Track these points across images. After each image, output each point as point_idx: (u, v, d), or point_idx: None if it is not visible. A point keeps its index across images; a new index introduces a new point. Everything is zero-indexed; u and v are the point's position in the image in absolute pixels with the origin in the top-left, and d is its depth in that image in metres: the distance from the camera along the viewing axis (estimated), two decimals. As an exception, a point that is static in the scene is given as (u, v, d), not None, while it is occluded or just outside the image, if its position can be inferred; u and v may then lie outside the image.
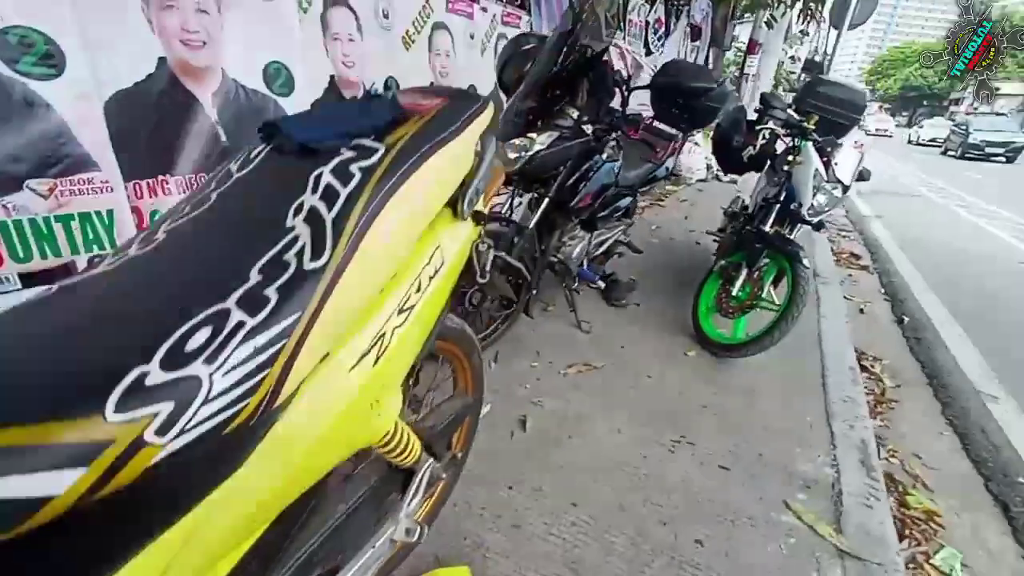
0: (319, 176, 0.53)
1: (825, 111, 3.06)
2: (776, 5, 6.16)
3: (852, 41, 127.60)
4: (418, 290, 0.68)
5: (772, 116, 2.38)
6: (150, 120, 1.36)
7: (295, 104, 1.64)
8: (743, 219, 2.69)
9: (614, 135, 1.96)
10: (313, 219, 0.51)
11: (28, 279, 1.26)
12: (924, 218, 7.45)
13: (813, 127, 2.28)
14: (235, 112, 1.48)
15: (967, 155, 17.12)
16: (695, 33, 7.12)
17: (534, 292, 2.21)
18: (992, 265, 5.07)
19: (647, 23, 5.27)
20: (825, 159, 2.16)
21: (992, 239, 6.29)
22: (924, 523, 1.77)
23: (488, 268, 0.89)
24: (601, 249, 2.67)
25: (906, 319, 3.56)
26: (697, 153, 7.09)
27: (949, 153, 19.22)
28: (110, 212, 1.32)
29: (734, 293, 2.31)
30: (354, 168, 0.54)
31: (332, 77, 1.79)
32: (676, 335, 2.58)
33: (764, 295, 2.26)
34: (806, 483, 1.68)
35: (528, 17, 2.97)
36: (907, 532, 1.70)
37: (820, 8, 5.98)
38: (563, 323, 2.61)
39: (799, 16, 6.28)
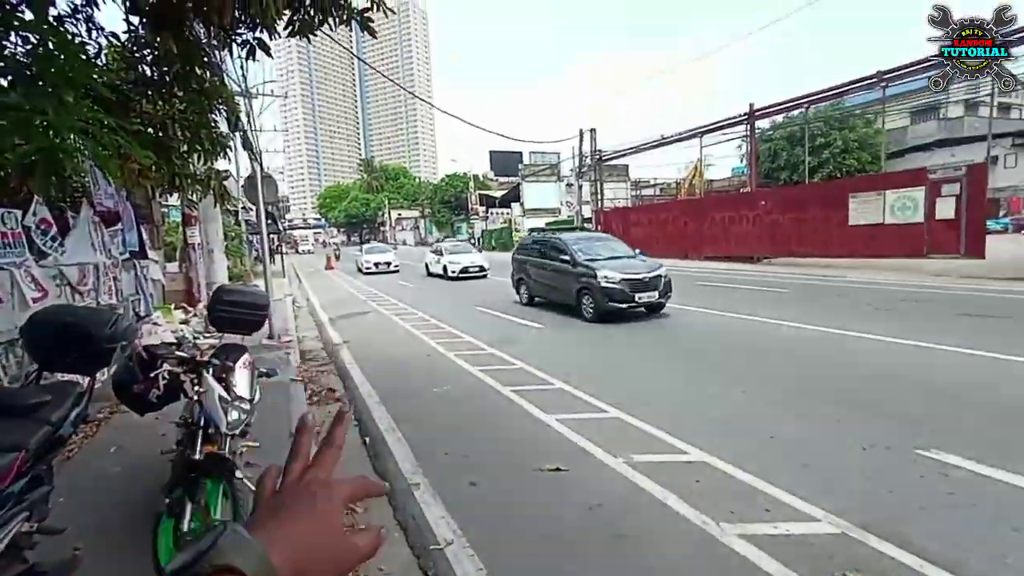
0: None
1: (235, 314, 3.62)
2: (190, 192, 6.75)
3: (298, 183, 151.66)
4: None
5: (164, 359, 2.64)
6: None
7: None
8: (185, 438, 2.78)
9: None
10: None
11: None
12: (382, 337, 9.61)
13: (206, 359, 2.68)
14: None
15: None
16: (109, 219, 6.75)
17: None
18: (415, 362, 7.19)
19: (26, 228, 4.62)
20: (224, 383, 2.57)
21: (418, 342, 8.85)
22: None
23: None
24: (-5, 558, 2.13)
25: (367, 439, 4.56)
26: (157, 335, 6.66)
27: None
28: None
29: (185, 528, 2.36)
30: None
31: None
32: (142, 599, 2.36)
33: (217, 516, 2.42)
34: None
35: None
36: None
37: (228, 195, 6.99)
38: None
39: (215, 200, 7.07)
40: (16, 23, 3.10)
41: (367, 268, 22.93)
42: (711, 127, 22.39)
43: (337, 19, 5.40)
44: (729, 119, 21.39)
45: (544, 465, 3.73)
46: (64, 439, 2.52)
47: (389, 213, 68.62)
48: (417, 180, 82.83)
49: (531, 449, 4.08)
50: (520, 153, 47.27)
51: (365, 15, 5.34)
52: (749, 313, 9.00)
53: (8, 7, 3.20)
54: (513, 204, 43.05)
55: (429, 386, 5.93)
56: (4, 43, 3.14)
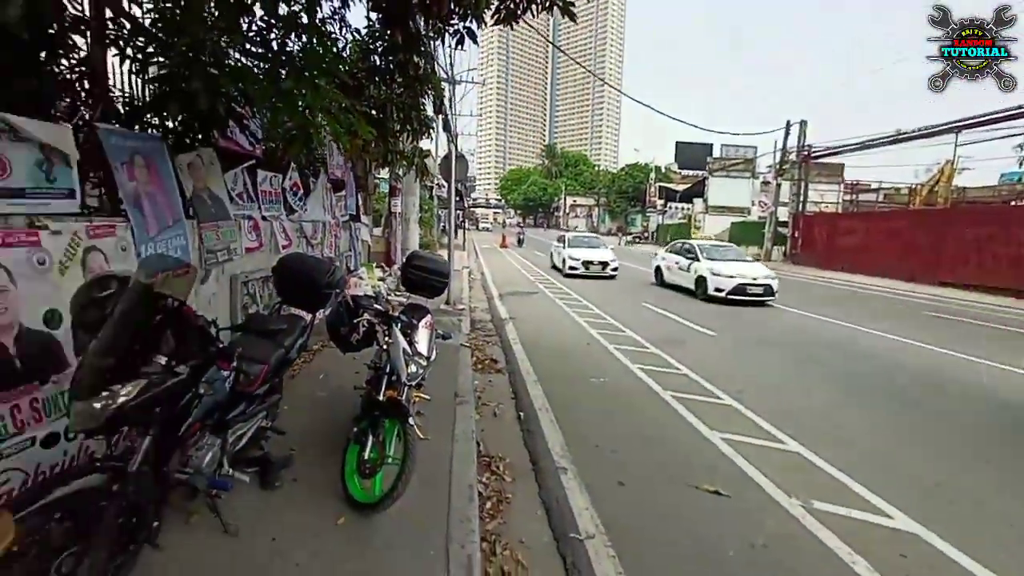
0: None
1: (422, 278, 4.02)
2: (397, 167, 7.73)
3: (484, 165, 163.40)
4: None
5: (365, 309, 3.04)
6: None
7: None
8: (373, 380, 3.20)
9: (217, 364, 2.16)
10: None
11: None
12: (545, 318, 9.88)
13: (397, 315, 3.01)
14: None
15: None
16: (337, 185, 8.07)
17: (156, 524, 2.10)
18: (574, 348, 7.20)
19: (283, 189, 5.75)
20: (408, 338, 2.86)
21: (579, 329, 8.88)
22: (520, 603, 2.40)
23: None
24: (244, 442, 2.71)
25: (522, 414, 4.72)
26: (360, 288, 7.82)
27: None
28: None
29: (366, 456, 2.72)
30: None
31: None
32: (329, 504, 2.78)
33: (390, 453, 2.74)
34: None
35: (127, 223, 2.94)
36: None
37: (428, 172, 7.83)
38: (210, 529, 2.48)
39: (417, 174, 7.98)
40: (295, 25, 3.80)
41: (571, 267, 15.78)
42: (975, 120, 17.64)
43: (540, 5, 5.53)
44: (1010, 110, 16.32)
45: (702, 484, 3.41)
46: (291, 361, 3.09)
47: (565, 199, 69.92)
48: (596, 168, 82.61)
49: (689, 463, 3.77)
50: (710, 145, 43.80)
51: (567, 1, 5.35)
52: (980, 355, 6.99)
53: (293, 13, 3.92)
54: (695, 200, 40.22)
55: (586, 375, 5.89)
56: (287, 41, 3.88)
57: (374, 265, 10.13)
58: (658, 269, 14.67)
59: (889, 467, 3.80)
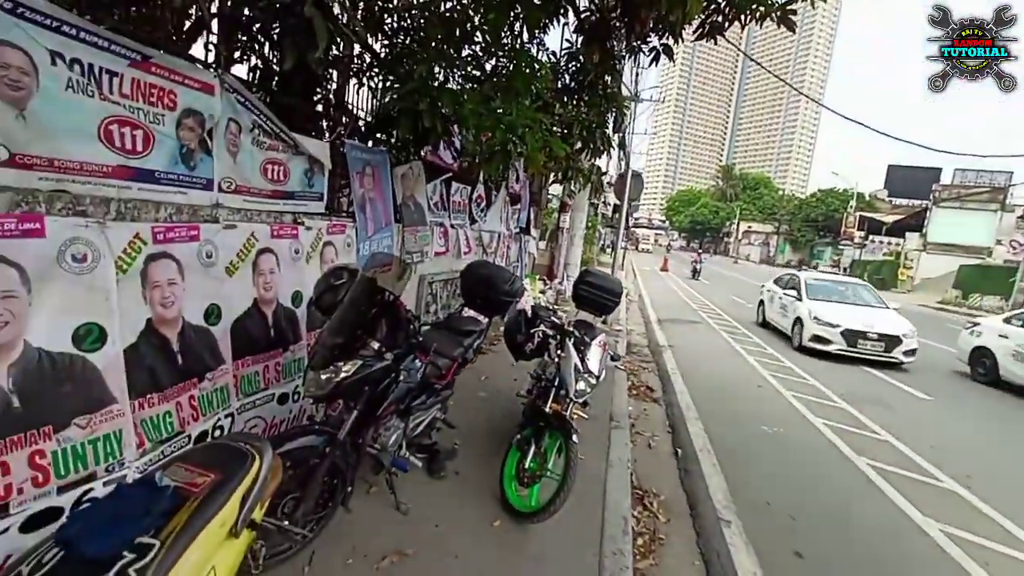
0: None
1: (593, 295, 4.01)
2: (573, 184, 7.90)
3: (651, 185, 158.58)
4: None
5: (542, 320, 3.12)
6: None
7: (104, 356, 1.78)
8: (537, 390, 3.27)
9: (413, 356, 2.42)
10: None
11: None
12: (708, 351, 9.19)
13: (572, 330, 3.03)
14: (35, 378, 1.60)
15: None
16: (514, 199, 8.54)
17: (349, 490, 2.41)
18: (742, 389, 6.52)
19: (470, 199, 6.28)
20: (580, 354, 2.86)
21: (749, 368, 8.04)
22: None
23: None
24: (420, 429, 2.99)
25: (679, 451, 4.41)
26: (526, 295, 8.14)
27: None
28: None
29: (527, 465, 2.78)
30: (132, 572, 0.79)
31: (149, 319, 1.98)
32: (486, 503, 2.91)
33: (550, 466, 2.76)
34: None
35: (353, 223, 3.48)
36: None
37: (602, 189, 7.85)
38: (384, 504, 2.78)
39: (591, 191, 8.06)
40: (503, 49, 4.12)
41: (816, 337, 8.72)
42: None
43: (751, 16, 5.12)
44: None
45: (911, 584, 2.78)
46: (468, 360, 3.32)
47: (738, 224, 64.31)
48: (780, 192, 74.35)
49: (892, 553, 3.11)
50: (938, 170, 36.44)
51: (788, 8, 4.88)
52: None
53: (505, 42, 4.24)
54: (908, 234, 33.71)
55: (755, 421, 5.27)
56: (498, 65, 4.22)
57: (537, 277, 10.48)
58: (980, 353, 8.13)
59: None
